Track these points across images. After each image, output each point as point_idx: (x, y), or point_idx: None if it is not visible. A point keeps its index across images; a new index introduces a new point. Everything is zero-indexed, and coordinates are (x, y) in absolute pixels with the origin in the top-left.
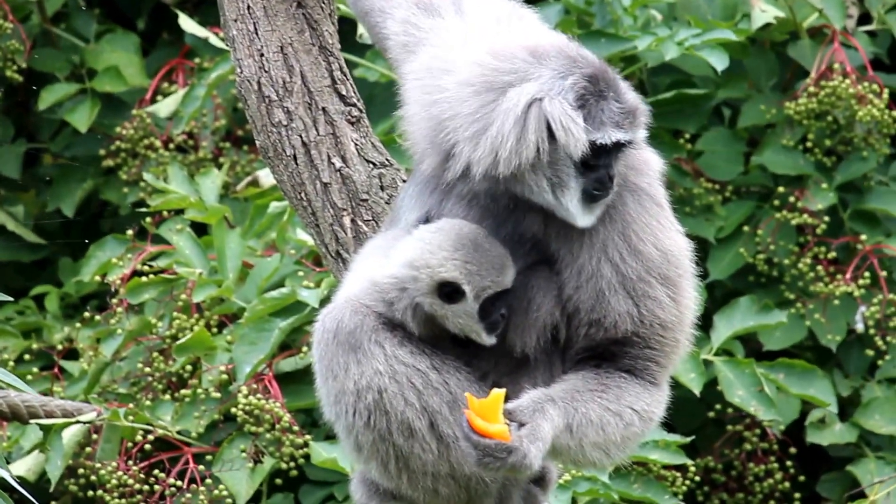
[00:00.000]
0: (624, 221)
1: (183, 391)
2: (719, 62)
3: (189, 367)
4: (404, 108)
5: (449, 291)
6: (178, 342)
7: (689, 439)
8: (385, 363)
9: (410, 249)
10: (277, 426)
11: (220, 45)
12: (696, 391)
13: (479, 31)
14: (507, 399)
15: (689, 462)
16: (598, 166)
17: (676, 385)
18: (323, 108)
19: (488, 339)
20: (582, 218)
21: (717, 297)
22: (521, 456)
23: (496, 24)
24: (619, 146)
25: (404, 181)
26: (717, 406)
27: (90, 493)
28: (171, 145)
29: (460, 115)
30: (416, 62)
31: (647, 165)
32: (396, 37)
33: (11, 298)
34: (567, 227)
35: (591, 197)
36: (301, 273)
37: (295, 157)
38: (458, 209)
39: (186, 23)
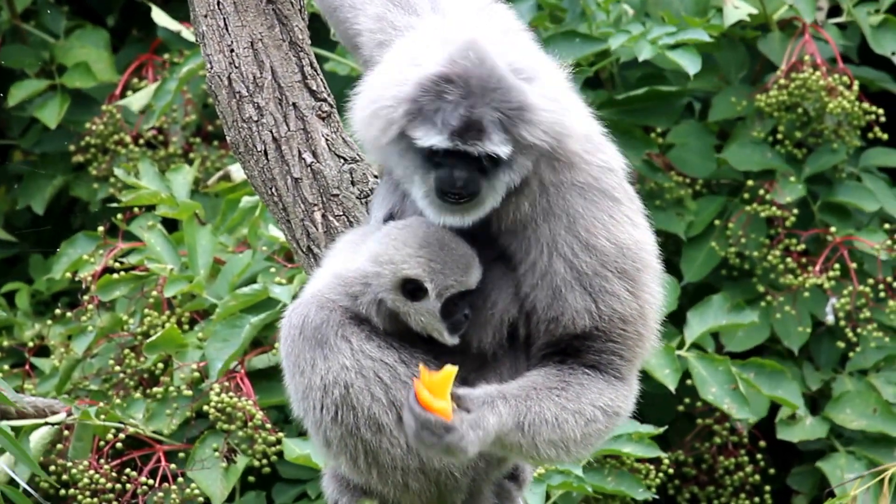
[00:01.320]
0: (569, 217)
1: (155, 389)
2: (692, 65)
3: (161, 365)
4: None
5: (412, 289)
6: (150, 339)
7: (661, 430)
8: (352, 358)
9: (376, 245)
10: (250, 423)
11: (192, 38)
12: (672, 387)
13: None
14: (464, 383)
15: (663, 455)
16: (441, 165)
17: (647, 379)
18: (293, 104)
19: (451, 339)
20: (434, 214)
21: (690, 291)
22: (458, 438)
23: (470, 21)
24: (457, 154)
25: (375, 176)
26: (687, 400)
27: (62, 491)
28: (141, 141)
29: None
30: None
31: (598, 160)
32: (370, 34)
33: None
34: (513, 224)
35: (444, 197)
36: (273, 269)
37: (266, 153)
38: (416, 205)
39: (159, 16)
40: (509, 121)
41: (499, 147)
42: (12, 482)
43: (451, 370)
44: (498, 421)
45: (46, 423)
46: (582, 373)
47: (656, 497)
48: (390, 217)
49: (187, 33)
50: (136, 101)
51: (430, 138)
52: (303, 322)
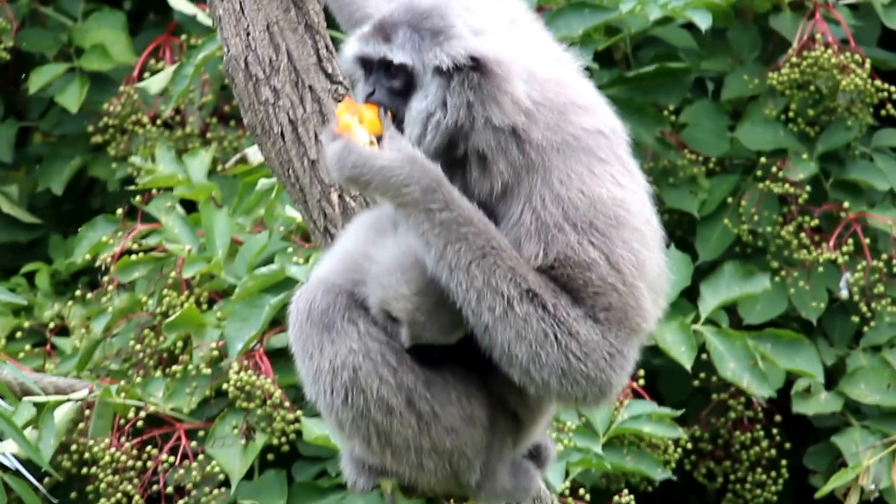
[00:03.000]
0: (546, 169)
1: (174, 367)
2: (703, 20)
3: (180, 344)
4: None
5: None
6: (169, 319)
7: (680, 412)
8: (359, 341)
9: (384, 259)
10: (269, 402)
11: (208, 22)
12: (688, 366)
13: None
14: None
15: (683, 436)
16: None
17: (662, 356)
18: (309, 86)
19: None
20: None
21: (703, 268)
22: (331, 149)
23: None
24: (368, 64)
25: None
26: (702, 375)
27: (84, 469)
28: (159, 121)
29: None
30: None
31: (577, 122)
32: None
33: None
34: (502, 188)
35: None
36: (290, 249)
37: (282, 135)
38: None
39: (176, 0)
40: (418, 36)
41: (397, 55)
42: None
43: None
44: (388, 168)
45: (69, 400)
46: (546, 278)
47: (674, 478)
48: None
49: (203, 17)
50: (153, 84)
51: (351, 47)
52: (309, 307)
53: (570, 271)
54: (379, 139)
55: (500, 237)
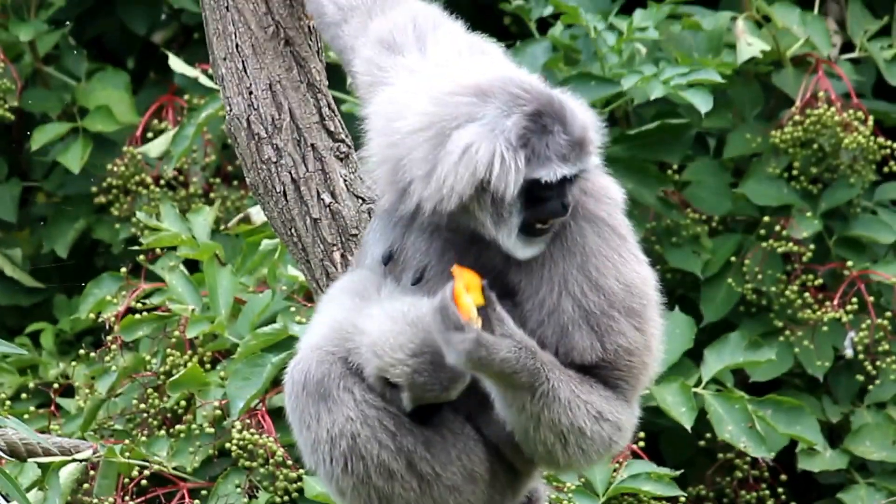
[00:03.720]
0: (583, 255)
1: (178, 427)
2: (703, 104)
3: (183, 403)
4: (367, 149)
5: (392, 384)
6: (172, 378)
7: (679, 472)
8: (355, 409)
9: (377, 321)
10: (271, 461)
11: (209, 83)
12: (688, 426)
13: (438, 70)
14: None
15: (682, 494)
16: (547, 199)
17: (665, 416)
18: (312, 145)
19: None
20: (522, 251)
21: (707, 328)
22: (459, 340)
23: (458, 59)
24: (568, 177)
25: None
26: (707, 435)
27: None
28: (162, 181)
29: (414, 159)
30: (374, 103)
31: (605, 193)
32: (361, 76)
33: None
34: (527, 259)
35: (533, 231)
36: (293, 308)
37: (285, 194)
38: (420, 242)
39: (176, 63)
40: (592, 133)
41: (593, 159)
42: None
43: (478, 279)
44: (509, 360)
45: (74, 460)
46: (593, 379)
47: None
48: (390, 256)
49: (204, 79)
50: (154, 147)
51: (556, 171)
52: (305, 378)
53: (620, 360)
54: (479, 308)
55: (573, 374)
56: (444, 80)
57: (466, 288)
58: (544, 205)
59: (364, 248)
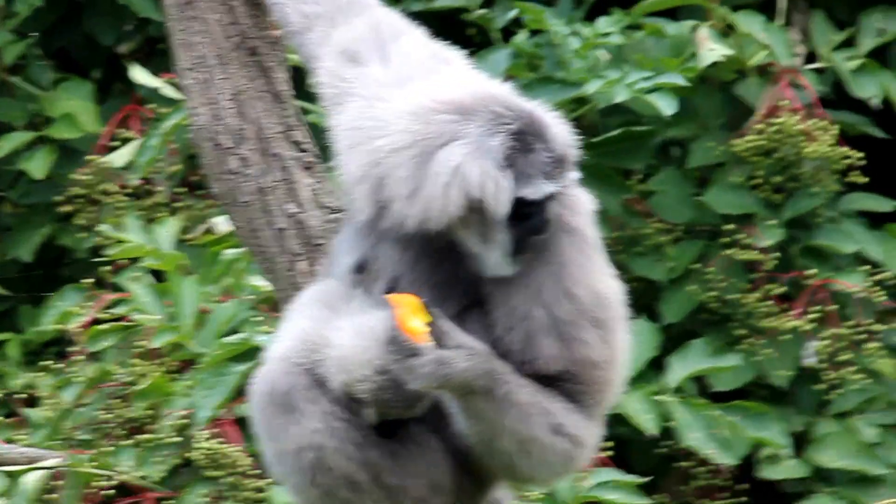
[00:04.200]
0: (559, 264)
1: (143, 436)
2: (668, 107)
3: (149, 413)
4: (338, 160)
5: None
6: (138, 388)
7: (646, 479)
8: (321, 421)
9: (347, 341)
10: (237, 470)
11: (173, 94)
12: (653, 432)
13: (405, 80)
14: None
15: (648, 501)
16: (530, 216)
17: (629, 424)
18: (277, 155)
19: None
20: (504, 268)
21: (671, 337)
22: (419, 365)
23: (422, 69)
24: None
25: None
26: (669, 443)
27: None
28: (127, 190)
29: (397, 178)
30: (343, 115)
31: (580, 205)
32: (324, 88)
33: None
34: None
35: (517, 249)
36: (258, 318)
37: (250, 204)
38: (393, 252)
39: (138, 74)
40: (572, 149)
41: (573, 175)
42: None
43: (416, 298)
44: (468, 369)
45: (40, 468)
46: (555, 391)
47: None
48: (361, 265)
49: (167, 89)
50: (119, 157)
51: (541, 189)
52: (271, 389)
53: (584, 372)
54: (437, 328)
55: (530, 385)
56: (424, 96)
57: (410, 311)
58: (526, 222)
59: (334, 257)
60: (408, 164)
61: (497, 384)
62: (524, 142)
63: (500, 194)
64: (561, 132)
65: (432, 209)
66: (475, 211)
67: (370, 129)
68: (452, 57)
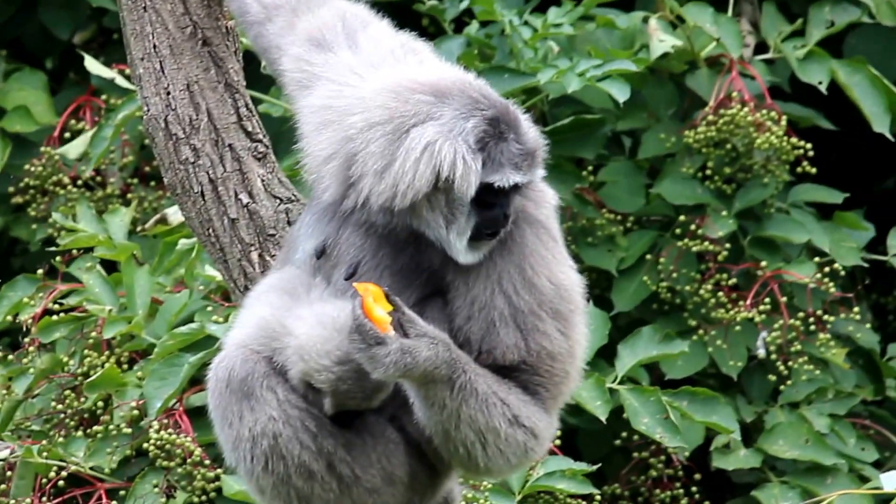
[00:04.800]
0: (521, 254)
1: (95, 427)
2: (620, 94)
3: (101, 404)
4: (304, 142)
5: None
6: (90, 379)
7: (594, 468)
8: (278, 408)
9: (306, 325)
10: (189, 460)
11: (126, 85)
12: (603, 417)
13: (375, 66)
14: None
15: (596, 491)
16: (494, 205)
17: (581, 414)
18: (229, 145)
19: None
20: (466, 255)
21: (622, 326)
22: (384, 353)
23: (391, 57)
24: (516, 186)
25: None
26: (623, 434)
27: None
28: (80, 182)
29: (370, 153)
30: (312, 97)
31: (544, 197)
32: (290, 73)
33: None
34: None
35: (481, 235)
36: (210, 308)
37: (202, 194)
38: (355, 238)
39: (92, 64)
40: (541, 147)
41: (540, 172)
42: None
43: (379, 288)
44: (430, 358)
45: None
46: (512, 383)
47: None
48: (322, 250)
49: (121, 80)
50: (72, 149)
51: (509, 177)
52: (228, 375)
53: (542, 363)
54: (400, 318)
55: (489, 376)
56: (401, 76)
57: (373, 299)
58: (489, 211)
59: (294, 243)
60: (381, 140)
61: (456, 372)
62: (497, 129)
63: (469, 175)
64: (531, 129)
65: (401, 185)
66: (442, 190)
67: (343, 107)
68: (419, 47)
